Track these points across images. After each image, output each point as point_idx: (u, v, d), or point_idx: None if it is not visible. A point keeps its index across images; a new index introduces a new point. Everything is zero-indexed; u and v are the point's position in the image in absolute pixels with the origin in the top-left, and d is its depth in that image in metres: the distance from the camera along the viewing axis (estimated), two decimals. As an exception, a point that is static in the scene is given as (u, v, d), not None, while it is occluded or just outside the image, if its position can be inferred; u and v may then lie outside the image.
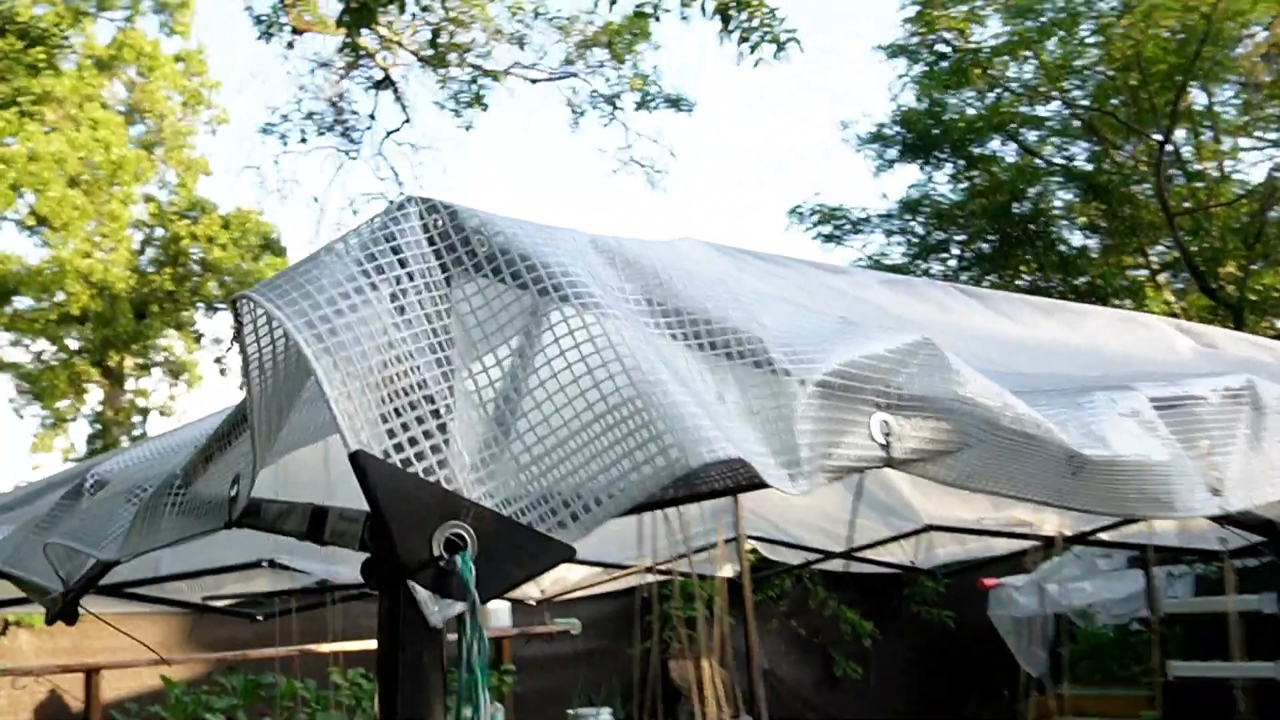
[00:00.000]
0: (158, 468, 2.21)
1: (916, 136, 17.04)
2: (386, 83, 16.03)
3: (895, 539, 6.17)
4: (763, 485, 1.44)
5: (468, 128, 16.49)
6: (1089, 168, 16.25)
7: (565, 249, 1.39)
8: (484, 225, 1.37)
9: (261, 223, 21.26)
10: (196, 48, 21.65)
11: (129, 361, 20.59)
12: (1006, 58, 15.95)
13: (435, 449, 1.25)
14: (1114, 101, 15.34)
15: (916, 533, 6.04)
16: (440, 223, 1.35)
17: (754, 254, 2.44)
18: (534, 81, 16.87)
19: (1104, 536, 6.08)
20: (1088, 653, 9.47)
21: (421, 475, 1.23)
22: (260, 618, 6.68)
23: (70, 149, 18.06)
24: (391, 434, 1.22)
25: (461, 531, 1.21)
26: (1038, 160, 16.70)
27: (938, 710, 11.54)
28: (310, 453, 2.06)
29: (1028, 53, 15.67)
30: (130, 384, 21.25)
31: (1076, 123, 16.10)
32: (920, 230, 17.79)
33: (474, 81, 13.71)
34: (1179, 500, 1.91)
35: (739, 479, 1.64)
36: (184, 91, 21.50)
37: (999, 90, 16.45)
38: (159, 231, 20.88)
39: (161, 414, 21.55)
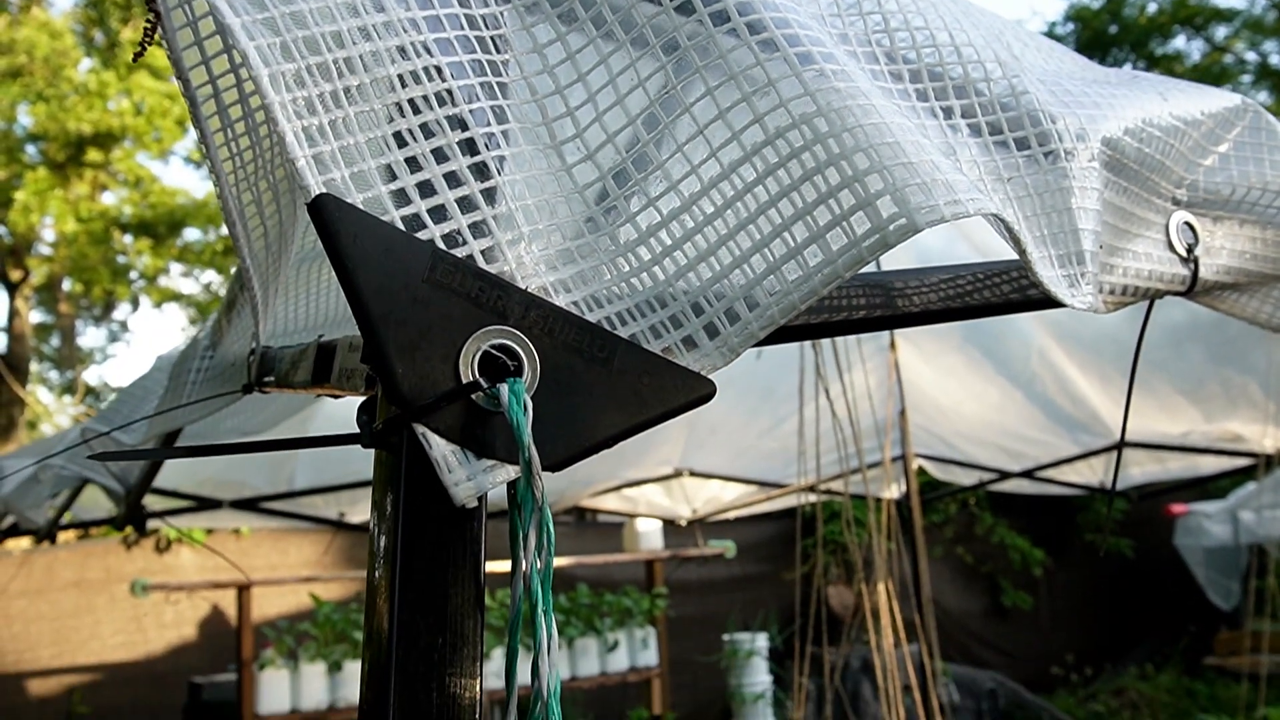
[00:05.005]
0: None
1: (1092, 35, 15.98)
2: None
3: (1084, 456, 5.53)
4: (999, 308, 0.92)
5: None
6: (1287, 63, 15.02)
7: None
8: None
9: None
10: None
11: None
12: (1194, -56, 14.76)
13: (468, 204, 0.69)
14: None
15: (1109, 449, 5.39)
16: None
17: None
18: None
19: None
20: (1287, 587, 8.79)
21: (441, 243, 0.68)
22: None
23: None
24: (390, 174, 0.67)
25: (510, 344, 0.67)
26: (1228, 57, 15.47)
27: (1116, 644, 10.85)
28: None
29: (1219, -63, 14.46)
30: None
31: (1273, 14, 14.81)
32: (1096, 137, 16.72)
33: None
34: None
35: (959, 291, 1.01)
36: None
37: (1185, -20, 15.27)
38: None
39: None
